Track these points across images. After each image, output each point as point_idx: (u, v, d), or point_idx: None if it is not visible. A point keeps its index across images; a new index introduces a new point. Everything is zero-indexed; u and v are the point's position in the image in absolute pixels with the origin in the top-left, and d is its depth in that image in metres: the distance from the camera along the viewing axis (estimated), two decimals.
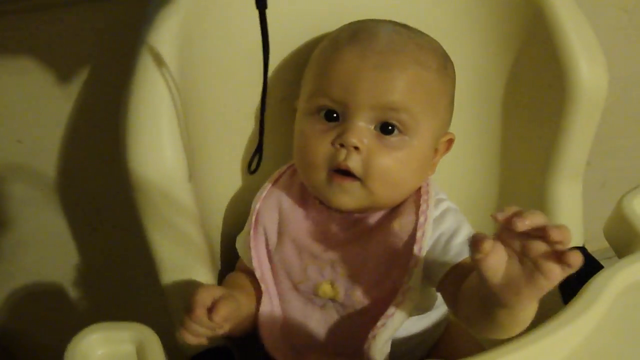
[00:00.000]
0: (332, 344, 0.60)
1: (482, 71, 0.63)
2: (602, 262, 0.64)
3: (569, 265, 0.40)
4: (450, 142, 0.63)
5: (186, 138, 0.58)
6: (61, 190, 0.81)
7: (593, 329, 0.54)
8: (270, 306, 0.61)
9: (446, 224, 0.58)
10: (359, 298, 0.58)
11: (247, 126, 0.68)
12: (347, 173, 0.57)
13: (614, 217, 0.66)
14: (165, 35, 0.56)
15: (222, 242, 0.68)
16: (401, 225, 0.58)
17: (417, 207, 0.59)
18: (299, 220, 0.61)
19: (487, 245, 0.40)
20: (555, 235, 0.39)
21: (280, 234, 0.61)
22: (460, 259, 0.56)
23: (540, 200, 0.70)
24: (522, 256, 0.41)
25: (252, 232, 0.62)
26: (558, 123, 0.66)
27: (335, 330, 0.60)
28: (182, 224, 0.58)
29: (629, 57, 1.01)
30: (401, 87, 0.56)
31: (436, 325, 0.64)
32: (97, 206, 0.84)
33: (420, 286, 0.57)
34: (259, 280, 0.61)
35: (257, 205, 0.63)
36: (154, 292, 0.64)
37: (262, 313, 0.61)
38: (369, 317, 0.57)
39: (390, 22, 0.62)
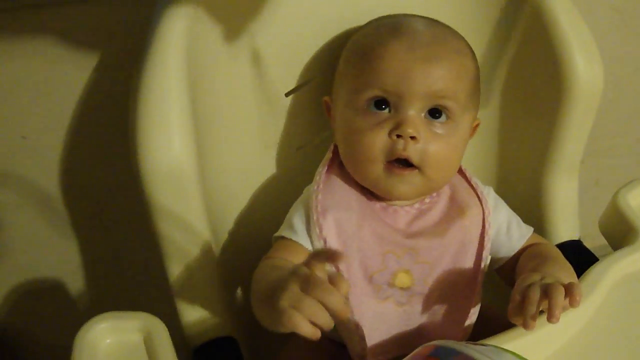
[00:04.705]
0: (399, 336, 0.60)
1: (480, 67, 0.64)
2: None
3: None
4: (476, 127, 0.65)
5: (195, 131, 0.58)
6: (64, 186, 0.81)
7: (590, 318, 0.55)
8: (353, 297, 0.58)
9: (502, 213, 0.65)
10: (433, 285, 0.60)
11: (257, 118, 0.69)
12: (404, 163, 0.58)
13: (609, 211, 0.67)
14: (174, 29, 0.57)
15: (229, 233, 0.68)
16: (471, 219, 0.62)
17: (478, 198, 0.63)
18: (374, 211, 0.61)
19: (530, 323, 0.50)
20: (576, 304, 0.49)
21: (360, 221, 0.60)
22: (521, 245, 0.63)
23: (536, 193, 0.72)
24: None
25: (319, 220, 0.59)
26: (555, 118, 0.68)
27: (403, 321, 0.60)
28: (189, 217, 0.58)
29: (621, 57, 1.02)
30: (450, 75, 0.59)
31: None
32: (100, 201, 0.84)
33: None
34: (342, 271, 0.58)
35: (318, 196, 0.60)
36: (154, 285, 0.64)
37: (354, 304, 0.57)
38: (440, 304, 0.60)
39: (417, 16, 0.64)
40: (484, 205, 0.63)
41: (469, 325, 0.60)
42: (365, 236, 0.59)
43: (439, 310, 0.60)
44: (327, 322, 0.42)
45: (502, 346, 0.47)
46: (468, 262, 0.61)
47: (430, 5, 0.68)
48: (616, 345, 0.54)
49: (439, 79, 0.58)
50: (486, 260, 0.62)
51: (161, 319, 0.54)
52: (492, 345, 0.43)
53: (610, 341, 0.54)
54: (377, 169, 0.59)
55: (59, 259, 0.88)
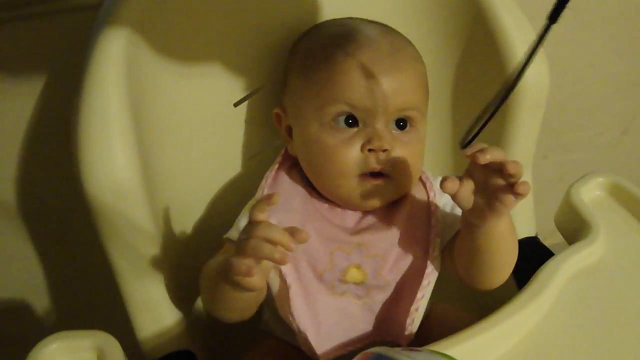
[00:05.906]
0: (362, 328, 0.60)
1: (429, 68, 0.65)
2: None
3: (520, 194, 0.49)
4: None
5: (140, 146, 0.58)
6: (21, 206, 0.81)
7: (545, 312, 0.56)
8: (301, 299, 0.58)
9: (446, 195, 0.63)
10: (386, 276, 0.60)
11: (202, 133, 0.69)
12: (376, 174, 0.59)
13: (563, 206, 0.68)
14: (112, 47, 0.57)
15: (182, 245, 0.68)
16: (416, 204, 0.62)
17: (423, 184, 0.64)
18: (320, 211, 0.62)
19: (453, 184, 0.51)
20: (511, 168, 0.49)
21: (303, 222, 0.60)
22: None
23: None
24: (485, 190, 0.52)
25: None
26: (504, 118, 0.68)
27: (365, 313, 0.60)
28: (138, 231, 0.58)
29: (576, 53, 1.04)
30: (412, 86, 0.61)
31: None
32: (58, 220, 0.84)
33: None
34: (285, 274, 0.58)
35: (264, 191, 0.62)
36: (121, 302, 0.64)
37: (296, 307, 0.57)
38: (396, 294, 0.60)
39: (365, 20, 0.64)
40: (427, 188, 0.63)
41: (426, 307, 0.59)
42: (309, 236, 0.59)
43: (398, 299, 0.60)
44: (271, 253, 0.47)
45: (451, 349, 0.47)
46: (418, 247, 0.61)
47: (375, 8, 0.69)
48: (571, 341, 0.54)
49: (403, 92, 0.59)
50: (435, 243, 0.61)
51: (128, 335, 0.54)
52: (427, 350, 0.44)
53: (565, 337, 0.54)
54: (351, 182, 0.60)
55: (20, 279, 0.87)
